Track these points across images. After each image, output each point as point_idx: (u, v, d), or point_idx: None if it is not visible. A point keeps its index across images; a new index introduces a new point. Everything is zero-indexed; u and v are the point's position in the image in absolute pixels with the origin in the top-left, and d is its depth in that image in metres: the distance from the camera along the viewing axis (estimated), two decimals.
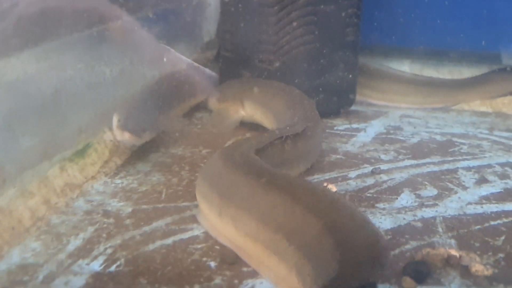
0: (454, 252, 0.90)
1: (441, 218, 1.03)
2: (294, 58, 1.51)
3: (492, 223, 1.02)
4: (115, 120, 1.23)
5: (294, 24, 1.48)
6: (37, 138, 1.06)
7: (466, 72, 1.76)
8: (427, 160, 1.31)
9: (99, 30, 1.27)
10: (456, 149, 1.38)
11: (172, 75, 1.56)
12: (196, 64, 1.73)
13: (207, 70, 1.75)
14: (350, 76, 1.59)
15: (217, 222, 0.95)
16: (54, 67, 1.11)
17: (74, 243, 0.94)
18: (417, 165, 1.27)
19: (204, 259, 0.90)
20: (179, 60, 1.66)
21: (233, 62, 1.60)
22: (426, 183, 1.18)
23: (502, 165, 1.28)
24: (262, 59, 1.53)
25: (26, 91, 1.04)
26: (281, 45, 1.49)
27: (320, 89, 1.55)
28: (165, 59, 1.58)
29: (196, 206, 1.05)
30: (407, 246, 0.94)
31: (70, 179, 1.12)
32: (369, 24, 1.70)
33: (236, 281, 0.84)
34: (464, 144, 1.41)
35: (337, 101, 1.60)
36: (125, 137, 1.20)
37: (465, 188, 1.16)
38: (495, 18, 1.67)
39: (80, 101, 1.20)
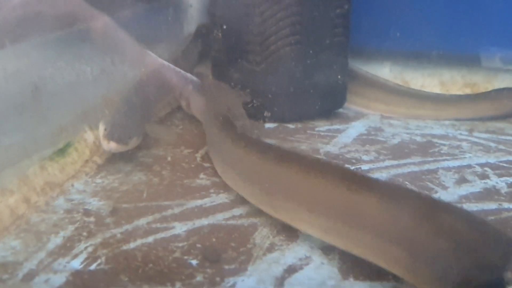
0: None
1: None
2: (280, 59, 1.49)
3: None
4: (101, 129, 1.21)
5: (280, 24, 1.46)
6: (17, 136, 1.05)
7: (446, 74, 1.78)
8: (408, 160, 1.31)
9: (80, 29, 1.27)
10: (436, 150, 1.39)
11: (147, 76, 1.52)
12: (172, 66, 1.70)
13: (187, 74, 1.72)
14: (339, 77, 1.58)
15: None
16: (34, 64, 1.10)
17: (54, 241, 0.93)
18: (398, 165, 1.28)
19: (186, 257, 0.89)
20: (158, 63, 1.64)
21: (223, 63, 1.58)
22: (407, 182, 1.19)
23: (481, 165, 1.29)
24: (249, 60, 1.52)
25: (5, 89, 1.03)
26: (266, 45, 1.48)
27: (308, 90, 1.54)
28: (143, 62, 1.56)
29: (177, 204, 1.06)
30: None
31: (51, 177, 1.11)
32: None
33: (217, 279, 0.84)
34: (444, 145, 1.42)
35: (325, 103, 1.59)
36: (112, 146, 1.18)
37: (445, 187, 1.17)
38: (474, 21, 1.69)
39: (61, 99, 1.19)
